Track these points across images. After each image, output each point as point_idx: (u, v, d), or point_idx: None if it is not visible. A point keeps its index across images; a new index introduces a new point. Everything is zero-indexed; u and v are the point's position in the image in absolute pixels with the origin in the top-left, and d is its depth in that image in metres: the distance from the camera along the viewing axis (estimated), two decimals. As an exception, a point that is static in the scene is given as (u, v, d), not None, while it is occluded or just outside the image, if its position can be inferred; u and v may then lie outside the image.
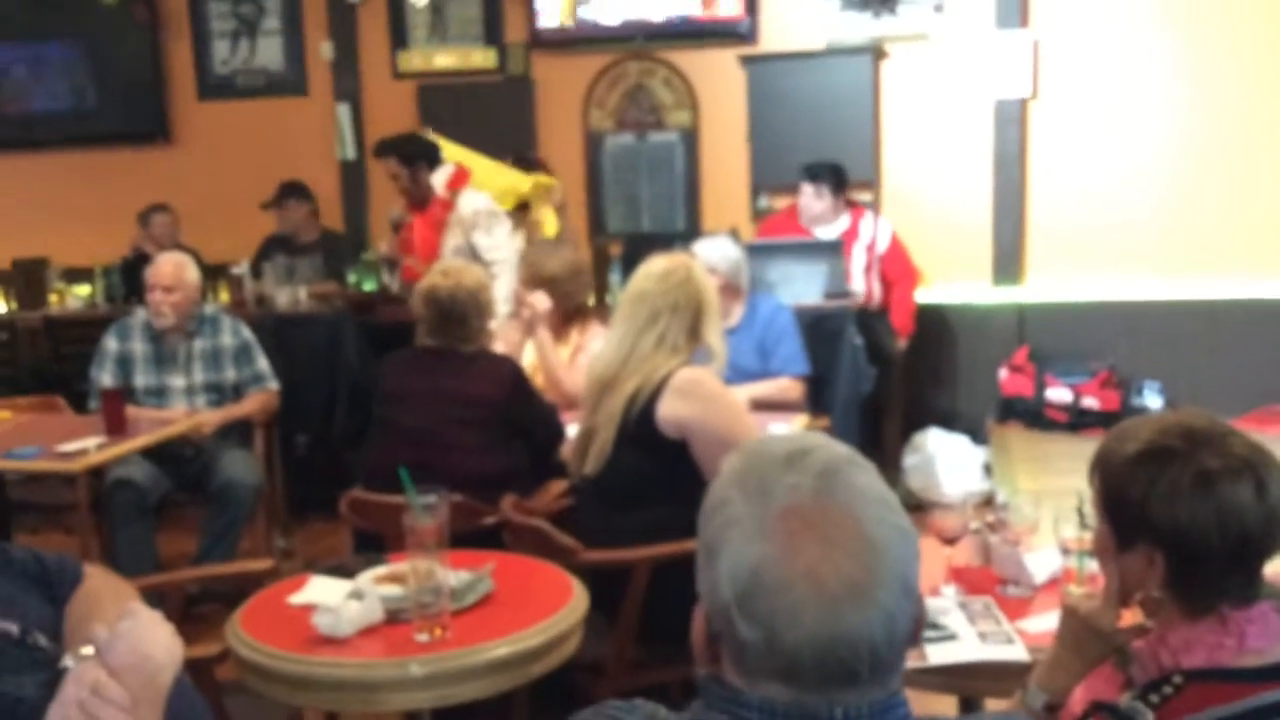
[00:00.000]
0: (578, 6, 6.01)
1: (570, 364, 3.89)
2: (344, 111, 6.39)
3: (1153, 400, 5.37)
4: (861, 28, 5.78)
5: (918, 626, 1.04)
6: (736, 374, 3.65)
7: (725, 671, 1.04)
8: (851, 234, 5.34)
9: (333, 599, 2.24)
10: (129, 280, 5.83)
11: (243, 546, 4.19)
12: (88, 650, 1.59)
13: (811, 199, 5.31)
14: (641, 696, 1.14)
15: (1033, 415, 5.41)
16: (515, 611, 2.29)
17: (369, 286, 5.68)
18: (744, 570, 0.99)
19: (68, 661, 1.59)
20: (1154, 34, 5.53)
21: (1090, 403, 5.33)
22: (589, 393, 2.89)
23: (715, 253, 4.05)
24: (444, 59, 6.31)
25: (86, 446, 3.65)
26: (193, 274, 4.30)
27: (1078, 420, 5.32)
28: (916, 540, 1.03)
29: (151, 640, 1.57)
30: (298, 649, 2.16)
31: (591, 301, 4.45)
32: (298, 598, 2.37)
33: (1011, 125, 5.67)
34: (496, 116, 6.13)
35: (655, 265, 2.89)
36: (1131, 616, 1.60)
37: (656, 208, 6.18)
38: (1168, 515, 1.42)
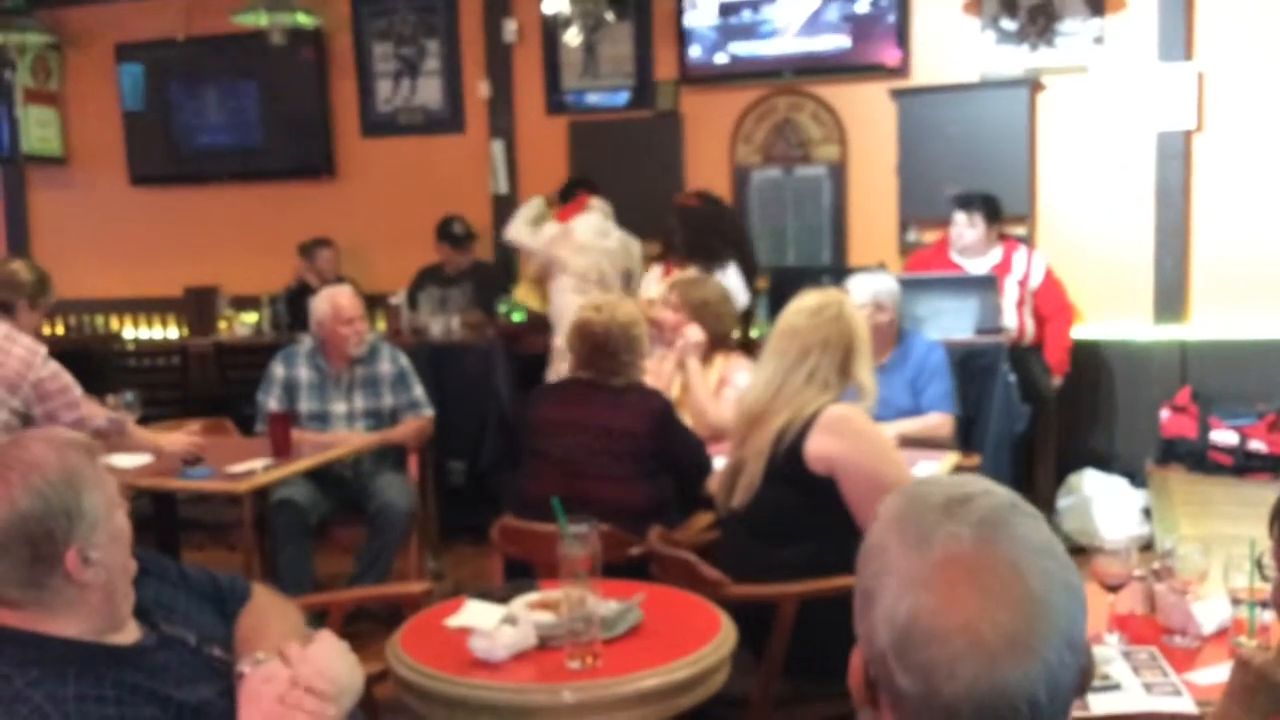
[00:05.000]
0: (728, 43, 6.06)
1: (715, 395, 3.91)
2: (498, 148, 6.55)
3: (1324, 445, 5.10)
4: (1017, 60, 5.68)
5: (1085, 678, 1.01)
6: (890, 410, 3.62)
7: (884, 717, 1.02)
8: (1004, 268, 5.22)
9: (488, 623, 2.29)
10: (293, 309, 6.09)
11: (395, 567, 4.32)
12: (263, 655, 1.68)
13: (964, 228, 5.21)
14: None
15: (1196, 458, 5.19)
16: (664, 643, 2.31)
17: (518, 317, 5.81)
18: (900, 620, 0.97)
19: (244, 667, 1.68)
20: (1328, 63, 5.29)
21: (1257, 446, 5.09)
22: (738, 426, 2.90)
23: (882, 287, 4.03)
24: (595, 96, 6.43)
25: (254, 468, 3.80)
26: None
27: (1243, 464, 5.08)
28: (1083, 593, 1.00)
29: (339, 665, 1.66)
30: (454, 671, 2.21)
31: (737, 333, 4.45)
32: (454, 620, 2.43)
33: (1175, 159, 5.48)
34: (645, 152, 6.22)
35: (807, 300, 2.88)
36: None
37: (802, 242, 6.16)
38: (1354, 569, 1.37)
